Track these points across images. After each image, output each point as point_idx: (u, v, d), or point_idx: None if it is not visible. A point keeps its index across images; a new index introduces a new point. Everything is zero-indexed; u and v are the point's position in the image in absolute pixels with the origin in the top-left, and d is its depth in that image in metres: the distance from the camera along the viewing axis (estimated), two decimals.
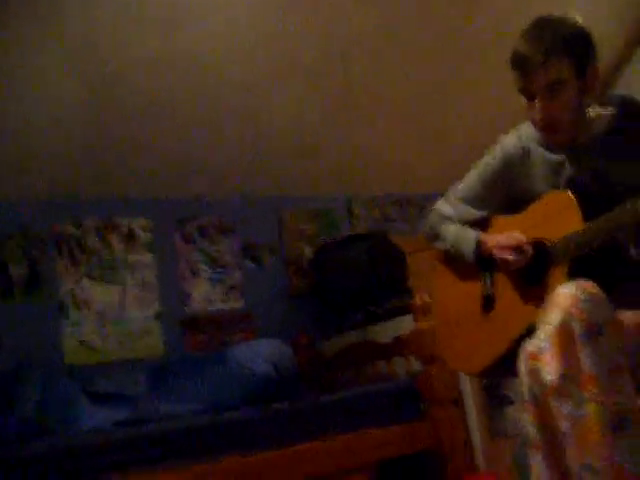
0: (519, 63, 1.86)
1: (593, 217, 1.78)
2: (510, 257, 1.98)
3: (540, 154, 2.01)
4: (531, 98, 1.87)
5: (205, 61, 3.71)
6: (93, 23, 3.33)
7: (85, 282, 3.94)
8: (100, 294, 3.97)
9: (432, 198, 2.42)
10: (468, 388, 3.33)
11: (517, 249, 1.97)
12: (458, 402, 3.27)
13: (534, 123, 1.92)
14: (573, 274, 1.80)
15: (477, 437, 3.31)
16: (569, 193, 1.89)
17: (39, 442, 2.68)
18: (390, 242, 4.22)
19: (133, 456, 2.60)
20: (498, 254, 2.01)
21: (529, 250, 1.95)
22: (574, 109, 1.87)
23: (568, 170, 1.95)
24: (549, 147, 2.00)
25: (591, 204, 1.83)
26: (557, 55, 1.81)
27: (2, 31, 3.19)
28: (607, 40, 1.95)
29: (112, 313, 3.97)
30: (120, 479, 2.51)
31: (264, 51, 3.79)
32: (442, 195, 2.35)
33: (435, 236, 2.29)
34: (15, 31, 3.21)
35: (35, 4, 3.15)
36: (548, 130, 1.90)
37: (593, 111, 1.95)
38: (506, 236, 2.01)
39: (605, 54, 1.93)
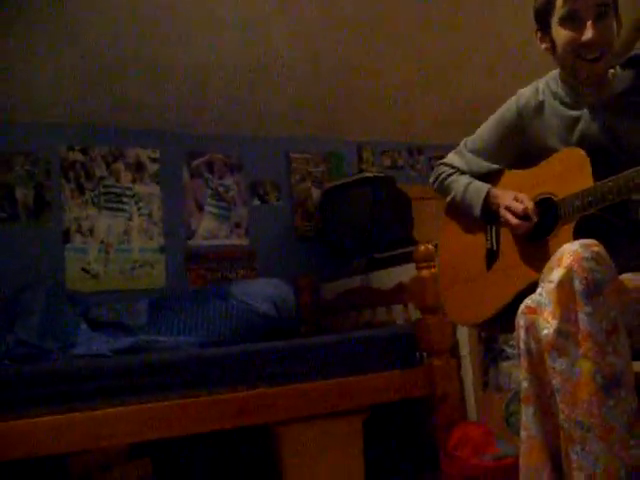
0: None
1: (604, 175, 1.76)
2: (514, 221, 1.97)
3: (556, 109, 1.99)
4: (578, 21, 1.83)
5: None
6: None
7: (90, 210, 3.95)
8: (105, 222, 3.98)
9: (442, 148, 2.40)
10: (465, 340, 3.35)
11: (523, 214, 1.95)
12: (455, 352, 3.29)
13: (584, 45, 1.83)
14: (579, 233, 1.79)
15: (470, 389, 3.34)
16: (581, 151, 1.87)
17: (37, 364, 2.72)
18: (397, 188, 4.20)
19: (129, 384, 2.63)
20: (504, 215, 2.00)
21: (534, 218, 1.94)
22: (615, 41, 1.85)
23: (582, 126, 1.92)
24: (565, 102, 1.97)
25: (603, 162, 1.82)
26: None
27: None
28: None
29: (116, 242, 3.98)
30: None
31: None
32: (454, 146, 2.33)
33: (444, 187, 2.27)
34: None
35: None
36: (596, 50, 1.84)
37: (613, 71, 1.92)
38: (515, 198, 1.99)
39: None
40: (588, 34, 1.82)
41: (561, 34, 1.87)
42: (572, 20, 1.84)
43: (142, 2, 3.53)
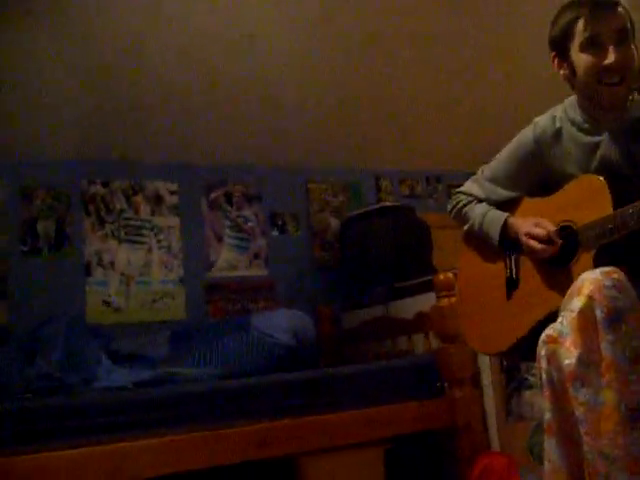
0: (591, 5, 1.85)
1: (623, 201, 1.75)
2: (538, 246, 1.95)
3: (573, 135, 1.99)
4: (599, 46, 1.85)
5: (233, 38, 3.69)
6: None
7: (111, 242, 3.97)
8: (125, 255, 4.00)
9: (461, 177, 2.39)
10: (487, 369, 3.32)
11: (546, 239, 1.94)
12: (476, 382, 3.26)
13: (606, 70, 1.85)
14: (600, 260, 1.78)
15: (493, 418, 3.30)
16: (601, 178, 1.86)
17: (58, 398, 2.72)
18: (416, 217, 4.20)
19: (150, 417, 2.63)
20: (526, 241, 1.99)
21: (558, 241, 1.93)
22: (635, 66, 1.87)
23: (602, 152, 1.92)
24: (584, 129, 1.97)
25: (622, 188, 1.81)
26: (622, 6, 1.87)
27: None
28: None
29: (136, 275, 4.00)
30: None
31: (298, 29, 3.75)
32: (471, 174, 2.33)
33: (462, 216, 2.27)
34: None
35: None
36: (618, 74, 1.85)
37: (631, 97, 1.92)
38: (536, 223, 1.98)
39: None
40: (611, 58, 1.83)
41: (582, 59, 1.88)
42: (593, 45, 1.86)
43: (159, 31, 3.58)
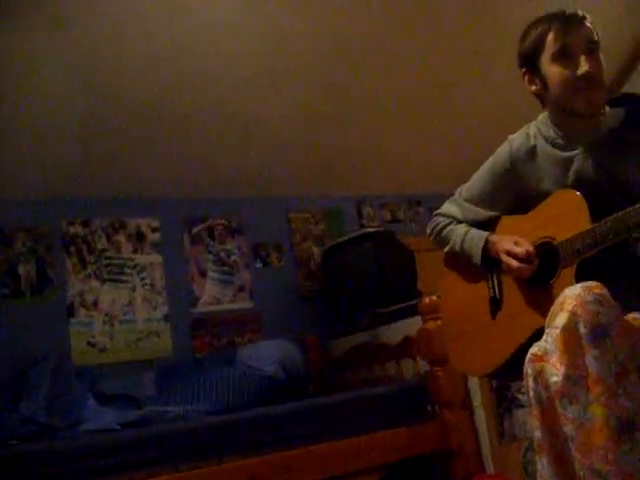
0: (560, 19, 1.89)
1: (601, 215, 1.76)
2: (516, 265, 1.95)
3: (548, 152, 1.99)
4: (571, 57, 1.87)
5: (207, 63, 3.69)
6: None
7: (93, 282, 3.94)
8: (108, 295, 3.97)
9: (441, 199, 2.39)
10: (477, 390, 3.31)
11: (525, 259, 1.94)
12: (466, 404, 3.24)
13: (581, 78, 1.85)
14: (581, 275, 1.77)
15: (486, 439, 3.28)
16: (577, 193, 1.86)
17: (44, 441, 2.68)
18: (398, 242, 4.20)
19: (139, 457, 2.59)
20: (505, 260, 1.99)
21: (535, 261, 1.93)
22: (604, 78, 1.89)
23: (576, 166, 1.92)
24: (557, 144, 1.97)
25: (599, 202, 1.81)
26: (589, 21, 1.90)
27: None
28: (609, 53, 1.97)
29: (120, 314, 3.97)
30: None
31: (268, 50, 3.76)
32: (450, 195, 2.32)
33: (442, 238, 2.26)
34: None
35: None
36: (592, 82, 1.86)
37: (603, 110, 1.94)
38: (515, 242, 1.98)
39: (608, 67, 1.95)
40: (584, 67, 1.85)
41: (555, 71, 1.89)
42: (564, 56, 1.87)
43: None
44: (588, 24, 1.89)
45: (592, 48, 1.88)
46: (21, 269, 3.80)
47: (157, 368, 3.64)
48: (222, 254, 4.33)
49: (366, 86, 4.13)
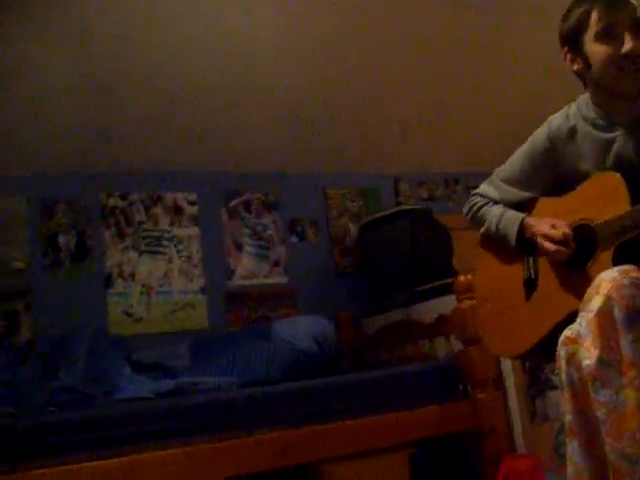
0: None
1: None
2: (554, 248, 1.93)
3: (588, 133, 1.97)
4: (615, 35, 1.85)
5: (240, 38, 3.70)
6: None
7: (131, 254, 3.99)
8: (145, 266, 4.01)
9: (479, 178, 2.38)
10: (510, 371, 3.30)
11: (562, 241, 1.92)
12: (499, 384, 3.24)
13: (626, 57, 1.84)
14: (619, 258, 1.76)
15: (517, 420, 3.28)
16: (617, 174, 1.84)
17: (80, 410, 2.74)
18: (434, 219, 4.18)
19: (173, 427, 2.63)
20: (541, 243, 1.97)
21: (572, 244, 1.91)
22: None
23: (617, 148, 1.90)
24: (598, 125, 1.95)
25: (639, 184, 1.78)
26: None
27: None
28: None
29: (157, 285, 4.01)
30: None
31: (299, 25, 3.75)
32: (489, 174, 2.31)
33: (478, 218, 2.26)
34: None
35: None
36: (637, 62, 1.84)
37: None
38: (552, 225, 1.96)
39: None
40: (629, 45, 1.82)
41: (599, 50, 1.87)
42: (609, 35, 1.85)
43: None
44: (633, 2, 1.86)
45: (637, 26, 1.85)
46: (61, 240, 3.86)
47: (192, 339, 3.68)
48: (258, 228, 4.35)
49: (404, 65, 4.09)
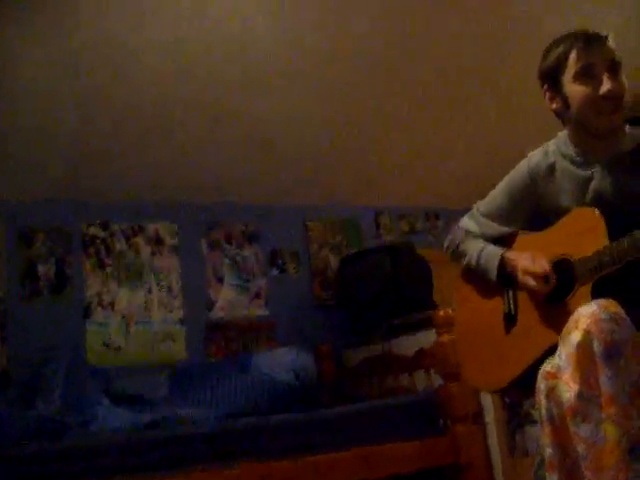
0: (583, 38, 1.90)
1: (618, 233, 1.76)
2: (534, 283, 1.94)
3: (566, 169, 1.99)
4: (593, 76, 1.87)
5: (225, 70, 3.72)
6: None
7: (111, 284, 3.97)
8: (125, 297, 3.99)
9: (460, 213, 2.40)
10: (490, 405, 3.29)
11: (542, 277, 1.94)
12: (479, 419, 3.23)
13: (604, 98, 1.86)
14: (597, 293, 1.77)
15: (497, 455, 3.27)
16: (595, 210, 1.86)
17: (57, 441, 2.70)
18: (415, 254, 4.20)
19: (151, 459, 2.60)
20: (522, 278, 1.98)
21: (553, 279, 1.92)
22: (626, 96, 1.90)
23: (595, 185, 1.93)
24: (576, 162, 1.98)
25: (617, 220, 1.81)
26: (612, 40, 1.91)
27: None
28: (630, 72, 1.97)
29: (136, 316, 3.99)
30: None
31: (281, 57, 3.77)
32: (469, 210, 2.33)
33: (459, 252, 2.27)
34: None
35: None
36: (614, 102, 1.87)
37: (624, 130, 1.94)
38: (532, 260, 1.97)
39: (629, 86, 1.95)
40: (607, 86, 1.85)
41: (577, 90, 1.90)
42: (587, 75, 1.88)
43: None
44: (611, 43, 1.90)
45: (615, 68, 1.88)
46: (40, 269, 3.84)
47: (171, 371, 3.65)
48: (239, 260, 4.35)
49: (386, 101, 4.13)
